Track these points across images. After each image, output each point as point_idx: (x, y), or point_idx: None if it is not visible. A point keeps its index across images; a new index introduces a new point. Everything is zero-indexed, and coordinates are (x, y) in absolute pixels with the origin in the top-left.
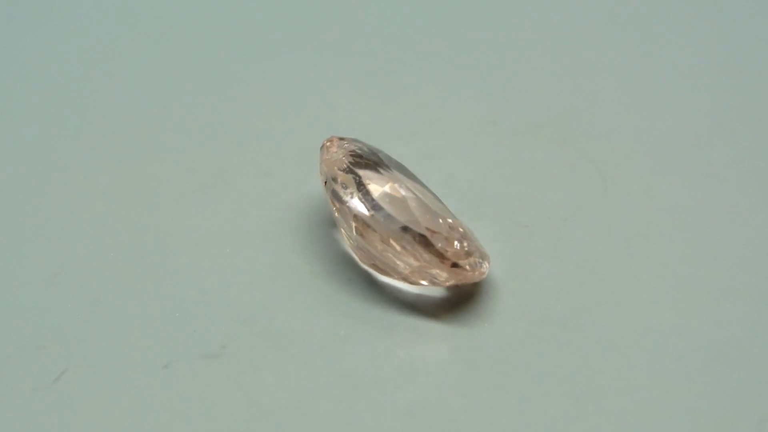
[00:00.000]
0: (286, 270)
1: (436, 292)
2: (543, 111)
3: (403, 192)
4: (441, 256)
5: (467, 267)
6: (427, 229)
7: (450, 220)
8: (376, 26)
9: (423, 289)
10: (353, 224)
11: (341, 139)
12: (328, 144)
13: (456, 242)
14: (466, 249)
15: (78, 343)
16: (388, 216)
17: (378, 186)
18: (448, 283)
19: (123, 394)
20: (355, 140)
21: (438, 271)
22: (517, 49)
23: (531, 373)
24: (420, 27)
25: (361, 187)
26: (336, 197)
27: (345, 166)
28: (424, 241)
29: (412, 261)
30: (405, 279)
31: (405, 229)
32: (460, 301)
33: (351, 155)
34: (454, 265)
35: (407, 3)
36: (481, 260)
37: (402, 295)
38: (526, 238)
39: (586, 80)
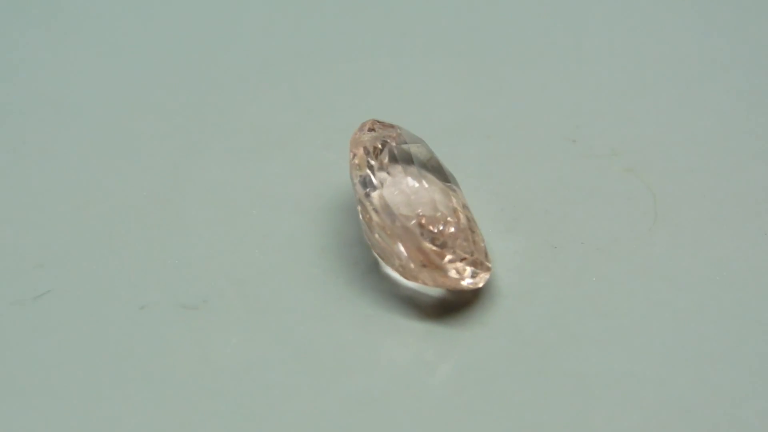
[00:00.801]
0: (299, 242)
1: (437, 292)
2: (627, 137)
3: (410, 184)
4: (424, 254)
5: (451, 272)
6: (418, 224)
7: (452, 228)
8: (475, 27)
9: (425, 287)
10: (358, 207)
11: (383, 123)
12: (368, 124)
13: (443, 243)
14: (450, 254)
15: (72, 268)
16: (386, 204)
17: (388, 174)
18: (434, 285)
19: (93, 325)
20: (397, 128)
21: (414, 266)
22: (617, 70)
23: (491, 394)
24: (521, 31)
25: (371, 170)
26: (351, 177)
27: (365, 148)
28: (409, 236)
29: (402, 255)
30: (401, 273)
31: (394, 219)
32: (454, 305)
33: (379, 140)
34: (436, 266)
35: (509, 7)
36: (474, 270)
37: (399, 290)
38: (549, 259)
39: (678, 116)
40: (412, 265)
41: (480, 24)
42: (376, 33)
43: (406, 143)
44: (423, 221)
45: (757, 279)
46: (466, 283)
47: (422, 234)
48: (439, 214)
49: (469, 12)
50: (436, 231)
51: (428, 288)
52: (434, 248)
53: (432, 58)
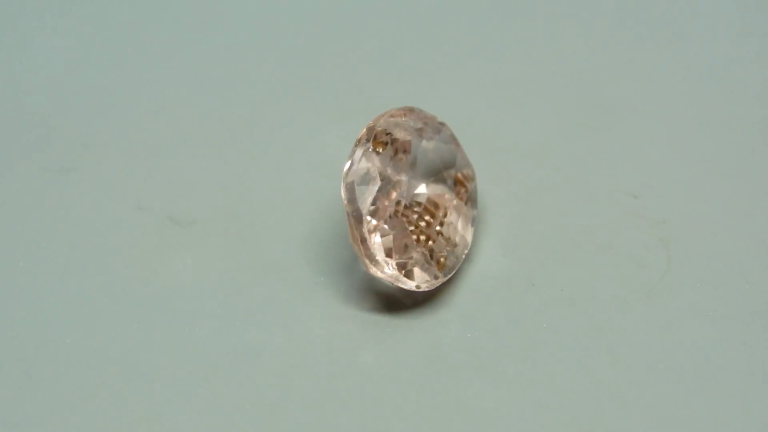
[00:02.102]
0: (308, 214)
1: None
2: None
3: (389, 175)
4: (363, 241)
5: (388, 267)
6: (369, 212)
7: (415, 227)
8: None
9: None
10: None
11: (420, 115)
12: (405, 109)
13: (387, 237)
14: (389, 253)
15: (100, 156)
16: (351, 183)
17: (374, 161)
18: (385, 278)
19: (95, 207)
20: (430, 122)
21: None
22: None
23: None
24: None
25: (359, 151)
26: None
27: (373, 127)
28: (355, 220)
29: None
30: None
31: (351, 202)
32: (416, 305)
33: (397, 127)
34: (372, 259)
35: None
36: (421, 273)
37: (375, 283)
38: (522, 293)
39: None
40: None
41: (567, 73)
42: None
43: (425, 140)
44: (375, 213)
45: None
46: (401, 281)
47: (365, 221)
48: (402, 218)
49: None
50: (382, 222)
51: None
52: (373, 241)
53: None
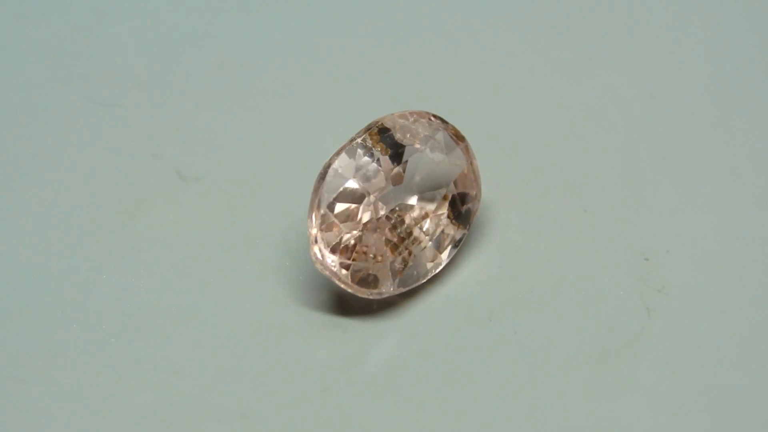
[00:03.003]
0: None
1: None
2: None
3: (370, 176)
4: (311, 230)
5: (331, 263)
6: (328, 205)
7: (381, 234)
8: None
9: None
10: None
11: (426, 114)
12: (422, 114)
13: (337, 234)
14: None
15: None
16: (326, 171)
17: (359, 157)
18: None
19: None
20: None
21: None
22: None
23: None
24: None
25: (350, 143)
26: None
27: (375, 122)
28: (313, 207)
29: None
30: None
31: (317, 190)
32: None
33: (402, 129)
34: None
35: None
36: (367, 281)
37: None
38: (474, 325)
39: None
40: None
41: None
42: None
43: (428, 150)
44: (327, 205)
45: None
46: (322, 266)
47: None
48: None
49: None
50: (330, 211)
51: None
52: (313, 221)
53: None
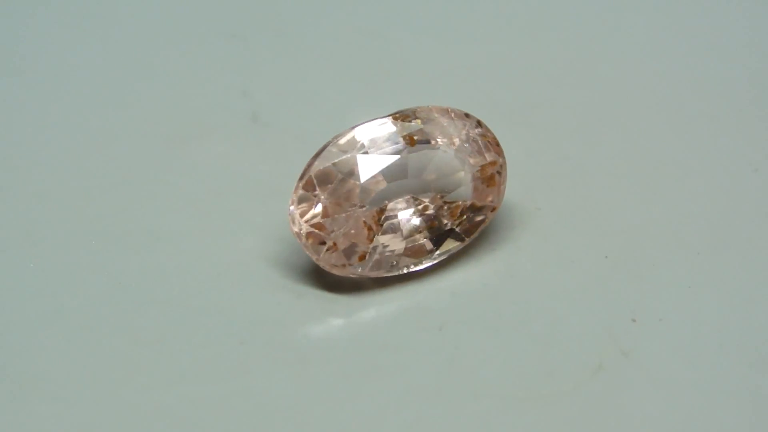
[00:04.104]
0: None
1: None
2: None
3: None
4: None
5: (292, 208)
6: (317, 176)
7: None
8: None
9: None
10: None
11: (469, 117)
12: (462, 115)
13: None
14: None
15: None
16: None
17: (376, 137)
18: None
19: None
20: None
21: None
22: None
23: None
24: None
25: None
26: None
27: (411, 110)
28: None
29: None
30: None
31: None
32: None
33: (431, 122)
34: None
35: None
36: (330, 254)
37: None
38: (421, 331)
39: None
40: None
41: None
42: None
43: (440, 150)
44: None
45: None
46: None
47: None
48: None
49: None
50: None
51: None
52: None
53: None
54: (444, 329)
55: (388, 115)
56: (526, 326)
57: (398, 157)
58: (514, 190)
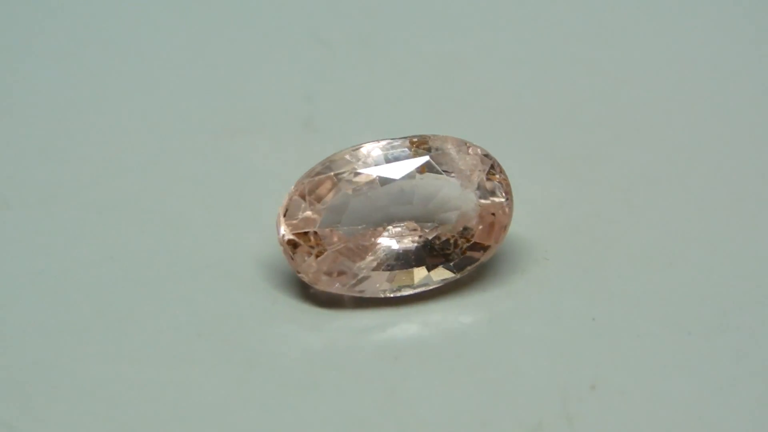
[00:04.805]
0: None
1: None
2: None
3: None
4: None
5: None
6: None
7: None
8: None
9: None
10: None
11: (487, 156)
12: (480, 153)
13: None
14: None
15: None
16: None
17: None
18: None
19: None
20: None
21: None
22: None
23: None
24: None
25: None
26: None
27: (427, 136)
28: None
29: None
30: None
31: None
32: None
33: (445, 155)
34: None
35: None
36: (310, 263)
37: None
38: (378, 359)
39: None
40: None
41: None
42: None
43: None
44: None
45: None
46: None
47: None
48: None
49: None
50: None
51: None
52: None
53: None
54: (399, 359)
55: (405, 137)
56: (481, 372)
57: (405, 181)
58: (530, 235)
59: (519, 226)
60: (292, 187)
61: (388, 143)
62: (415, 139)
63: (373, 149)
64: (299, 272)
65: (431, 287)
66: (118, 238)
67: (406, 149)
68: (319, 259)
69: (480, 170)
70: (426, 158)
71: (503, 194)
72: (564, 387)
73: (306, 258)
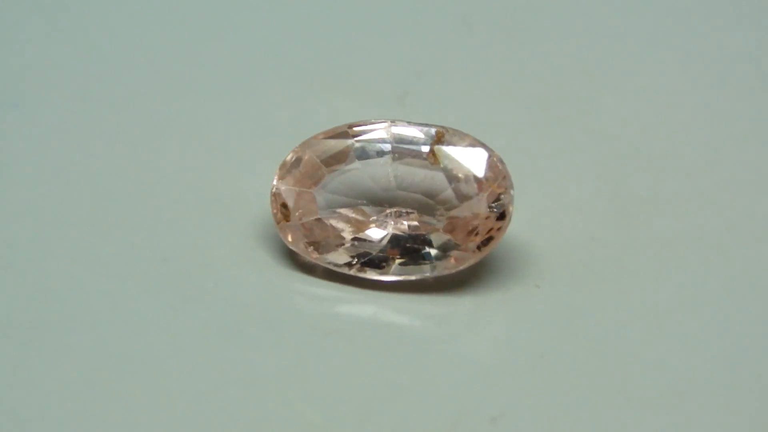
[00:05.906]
0: None
1: None
2: None
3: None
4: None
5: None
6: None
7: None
8: None
9: None
10: None
11: (501, 166)
12: (498, 162)
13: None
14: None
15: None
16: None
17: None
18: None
19: None
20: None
21: None
22: None
23: None
24: None
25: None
26: None
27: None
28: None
29: None
30: None
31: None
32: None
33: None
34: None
35: None
36: (296, 233)
37: None
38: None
39: None
40: None
41: None
42: None
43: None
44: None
45: None
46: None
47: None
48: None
49: None
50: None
51: None
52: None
53: None
54: (328, 337)
55: (431, 125)
56: (395, 375)
57: (415, 168)
58: (533, 262)
59: (513, 238)
60: (299, 145)
61: (413, 128)
62: (440, 130)
63: (395, 130)
64: (282, 234)
65: (408, 278)
66: (129, 197)
67: (426, 137)
68: (301, 221)
69: (490, 180)
70: (446, 150)
71: (502, 210)
72: (462, 412)
73: (289, 218)
